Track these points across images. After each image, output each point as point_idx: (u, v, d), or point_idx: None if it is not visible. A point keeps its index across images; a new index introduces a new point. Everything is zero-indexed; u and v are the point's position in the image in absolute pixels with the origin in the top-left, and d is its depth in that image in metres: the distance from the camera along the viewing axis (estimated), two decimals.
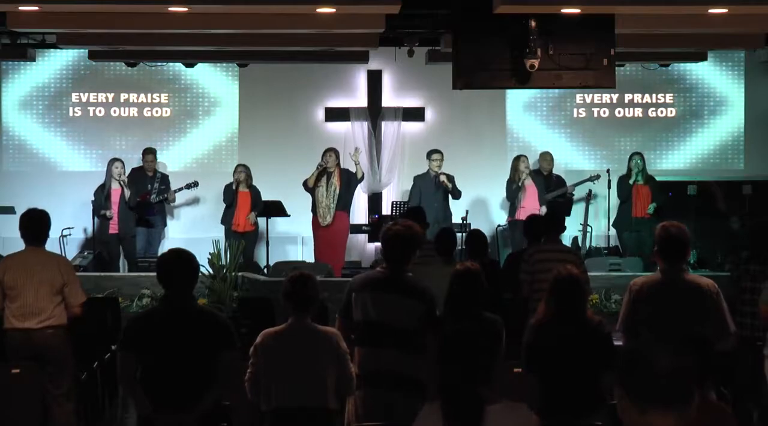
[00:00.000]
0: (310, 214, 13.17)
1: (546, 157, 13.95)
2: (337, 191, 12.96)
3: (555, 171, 13.95)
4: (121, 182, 12.99)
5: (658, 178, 13.68)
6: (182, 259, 5.51)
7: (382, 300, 5.76)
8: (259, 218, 13.42)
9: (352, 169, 13.18)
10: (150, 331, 5.41)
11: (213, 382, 5.38)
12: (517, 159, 13.31)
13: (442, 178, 12.94)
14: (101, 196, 13.04)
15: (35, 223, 7.27)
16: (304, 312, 5.51)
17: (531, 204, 12.89)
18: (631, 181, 13.31)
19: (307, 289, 5.52)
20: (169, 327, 5.38)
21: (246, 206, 13.22)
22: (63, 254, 11.05)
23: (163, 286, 5.51)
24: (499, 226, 13.96)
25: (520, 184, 13.06)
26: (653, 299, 6.02)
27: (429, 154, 13.28)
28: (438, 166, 13.10)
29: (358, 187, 13.63)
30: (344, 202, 13.04)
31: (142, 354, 5.40)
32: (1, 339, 7.22)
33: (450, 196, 13.08)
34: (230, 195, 13.20)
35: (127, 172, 13.31)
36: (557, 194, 13.50)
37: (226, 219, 13.24)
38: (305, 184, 12.98)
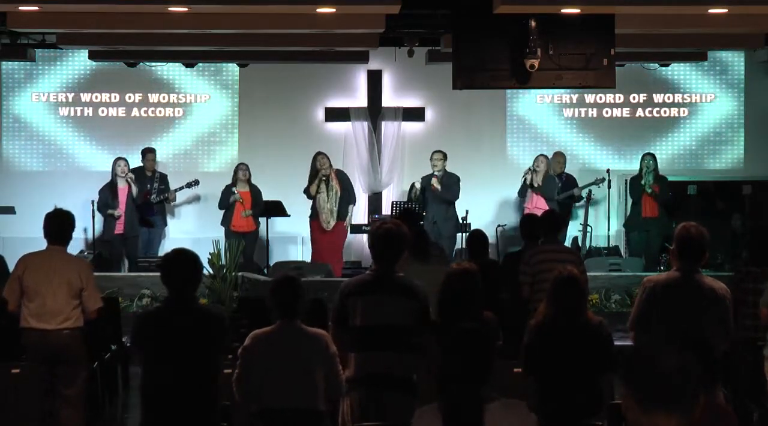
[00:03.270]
0: (311, 214, 13.18)
1: (558, 157, 13.91)
2: (338, 194, 12.99)
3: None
4: (128, 179, 12.97)
5: None
6: (187, 259, 5.50)
7: (376, 302, 5.73)
8: (259, 218, 13.40)
9: (348, 173, 13.29)
10: (154, 330, 5.40)
11: (215, 382, 5.39)
12: (539, 158, 13.28)
13: (433, 181, 12.94)
14: (107, 195, 13.01)
15: (60, 223, 7.23)
16: (291, 314, 5.49)
17: (534, 206, 12.83)
18: (643, 182, 13.30)
19: (291, 292, 5.48)
20: (172, 327, 5.37)
21: (246, 205, 13.21)
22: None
23: (166, 286, 5.50)
24: (499, 226, 13.96)
25: (536, 184, 13.07)
26: (667, 298, 6.00)
27: (431, 155, 13.25)
28: (435, 166, 13.04)
29: (359, 186, 13.65)
30: (346, 207, 13.07)
31: (146, 352, 5.40)
32: (17, 336, 7.21)
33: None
34: (225, 200, 13.15)
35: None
36: (566, 196, 13.50)
37: (226, 220, 13.23)
38: (308, 192, 12.99)
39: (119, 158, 13.22)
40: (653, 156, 13.47)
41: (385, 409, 5.59)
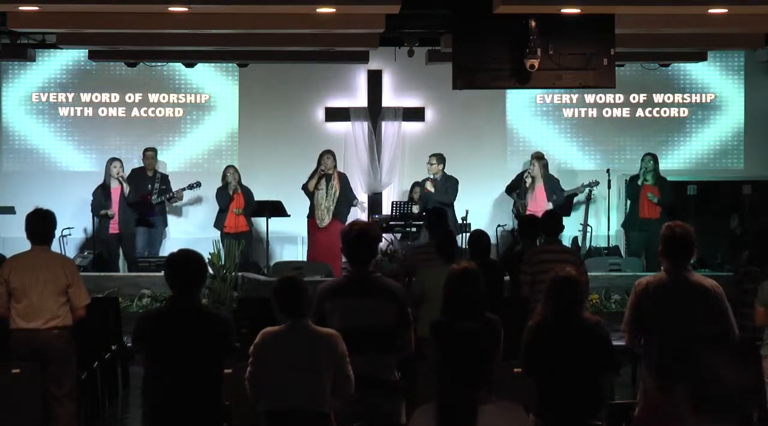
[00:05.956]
0: (309, 213, 13.19)
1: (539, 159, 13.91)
2: (337, 193, 13.00)
3: (556, 171, 13.94)
4: (120, 179, 13.05)
5: None
6: (192, 259, 5.48)
7: (354, 304, 5.71)
8: (257, 218, 13.42)
9: (348, 173, 13.30)
10: (158, 331, 5.39)
11: (218, 383, 5.39)
12: (534, 157, 13.30)
13: (427, 184, 12.98)
14: (100, 196, 13.08)
15: (41, 223, 7.26)
16: (298, 315, 5.48)
17: (535, 206, 12.83)
18: (639, 182, 13.32)
19: (293, 293, 5.45)
20: (175, 328, 5.36)
21: (238, 207, 13.24)
22: (63, 254, 11.05)
23: (170, 287, 5.48)
24: (499, 226, 13.96)
25: (527, 186, 13.07)
26: (658, 299, 6.01)
27: (428, 158, 13.31)
28: (430, 169, 13.09)
29: (359, 187, 13.65)
30: (342, 208, 13.07)
31: (148, 353, 5.40)
32: (6, 338, 7.21)
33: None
34: (226, 198, 13.20)
35: (128, 172, 13.37)
36: (568, 194, 13.50)
37: (219, 223, 13.26)
38: (305, 188, 13.01)
39: (113, 159, 13.30)
40: (654, 156, 13.48)
41: (370, 411, 5.58)
